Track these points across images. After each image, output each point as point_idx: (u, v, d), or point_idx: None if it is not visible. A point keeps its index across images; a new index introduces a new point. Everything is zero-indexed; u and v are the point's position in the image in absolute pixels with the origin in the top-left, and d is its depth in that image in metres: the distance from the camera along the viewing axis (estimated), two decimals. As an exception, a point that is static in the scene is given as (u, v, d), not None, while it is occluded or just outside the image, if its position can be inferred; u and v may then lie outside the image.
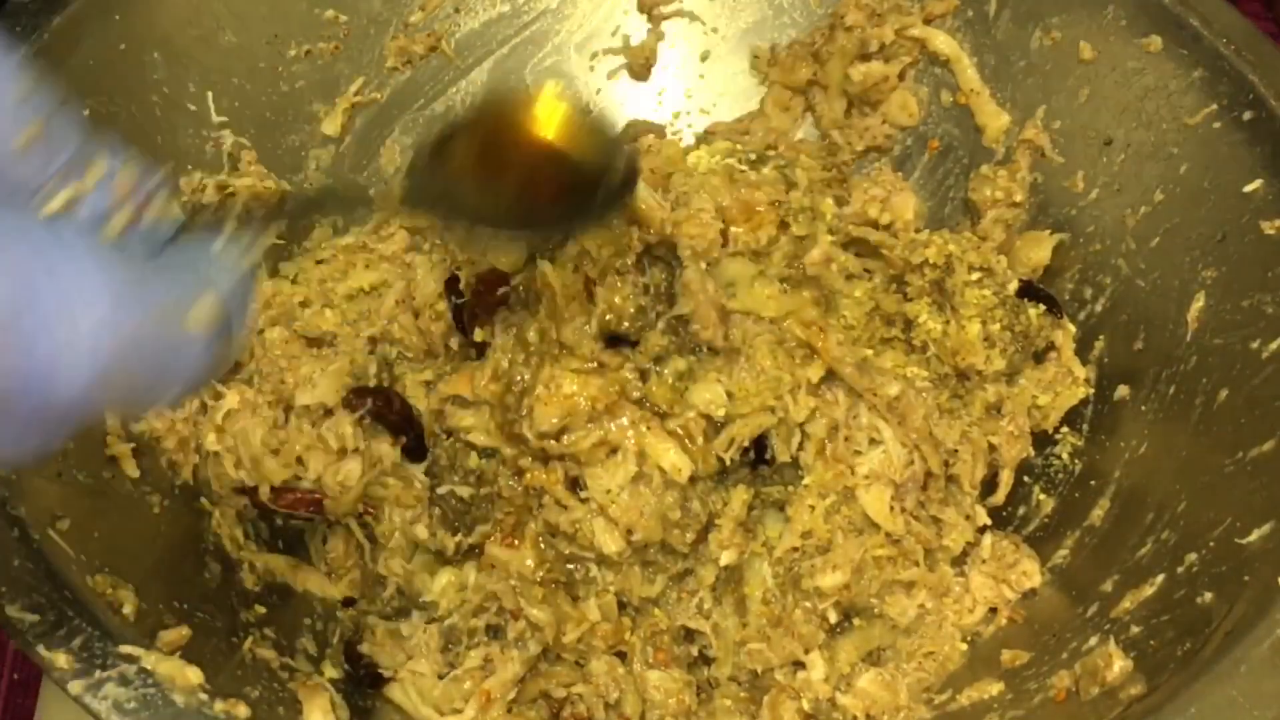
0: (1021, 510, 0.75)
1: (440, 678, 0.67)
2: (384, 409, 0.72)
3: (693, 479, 0.66)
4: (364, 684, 0.67)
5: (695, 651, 0.70)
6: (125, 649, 0.50)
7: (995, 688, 0.64)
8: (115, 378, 0.33)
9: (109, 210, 0.36)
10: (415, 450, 0.73)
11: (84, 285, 0.32)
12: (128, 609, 0.54)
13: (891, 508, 0.68)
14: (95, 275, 0.33)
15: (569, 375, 0.66)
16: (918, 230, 0.81)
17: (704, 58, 0.88)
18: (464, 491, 0.72)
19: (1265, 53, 0.68)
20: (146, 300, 0.34)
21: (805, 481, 0.69)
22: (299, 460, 0.70)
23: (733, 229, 0.69)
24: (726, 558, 0.67)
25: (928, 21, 0.81)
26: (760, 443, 0.69)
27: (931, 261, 0.73)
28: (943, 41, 0.81)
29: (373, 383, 0.74)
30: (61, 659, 0.49)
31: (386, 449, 0.72)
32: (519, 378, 0.68)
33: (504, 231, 0.62)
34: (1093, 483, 0.72)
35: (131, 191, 0.37)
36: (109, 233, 0.36)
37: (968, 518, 0.72)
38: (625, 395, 0.66)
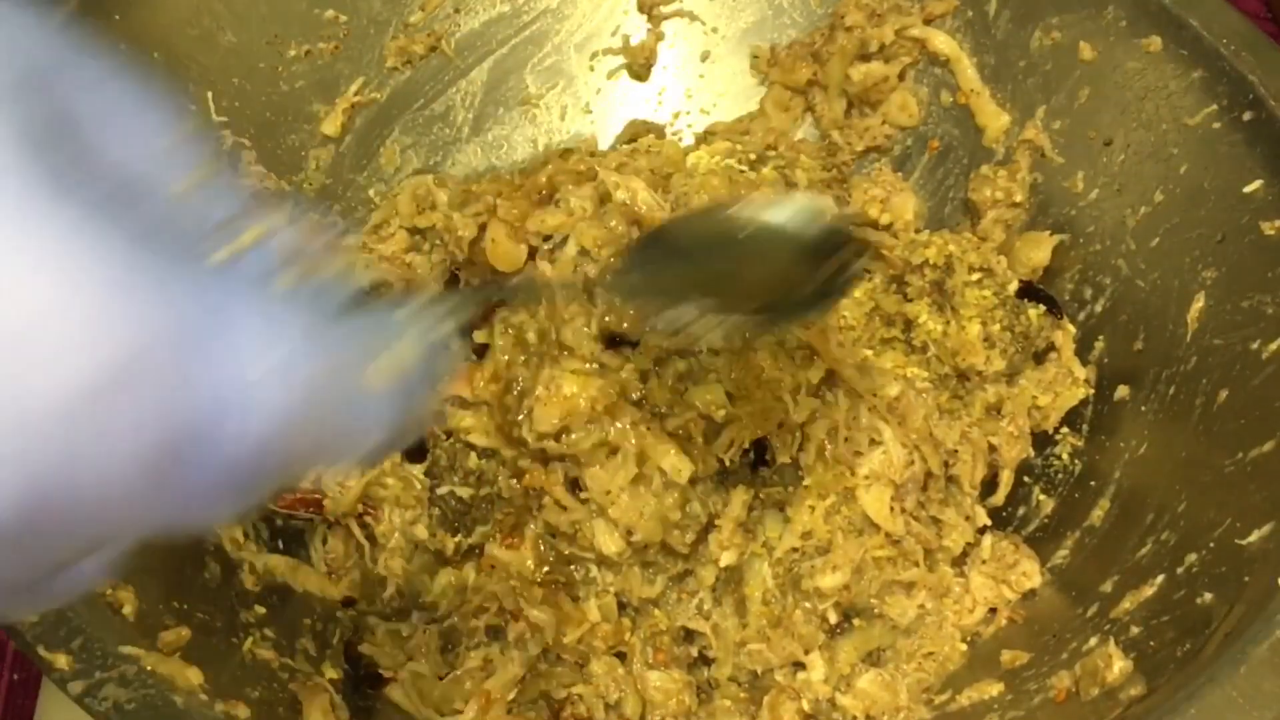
0: (1021, 511, 0.75)
1: (440, 678, 0.67)
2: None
3: (693, 480, 0.66)
4: (364, 684, 0.67)
5: (695, 652, 0.70)
6: (125, 649, 0.50)
7: (995, 688, 0.64)
8: (291, 433, 0.30)
9: (277, 266, 0.32)
10: (415, 451, 0.73)
11: (254, 329, 0.29)
12: (128, 609, 0.54)
13: (891, 508, 0.68)
14: (267, 319, 0.29)
15: (569, 376, 0.66)
16: (918, 230, 0.81)
17: (704, 58, 0.88)
18: (464, 492, 0.72)
19: (1265, 53, 0.68)
20: (323, 349, 0.30)
21: (805, 482, 0.69)
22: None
23: (733, 229, 0.69)
24: (726, 558, 0.67)
25: (928, 22, 0.81)
26: (760, 444, 0.69)
27: (931, 262, 0.73)
28: (943, 42, 0.81)
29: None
30: (61, 659, 0.49)
31: (386, 450, 0.72)
32: (518, 379, 0.68)
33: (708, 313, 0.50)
34: (1093, 483, 0.72)
35: (302, 250, 0.33)
36: (280, 284, 0.32)
37: (968, 518, 0.72)
38: (625, 396, 0.66)
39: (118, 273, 0.26)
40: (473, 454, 0.72)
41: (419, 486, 0.73)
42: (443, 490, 0.73)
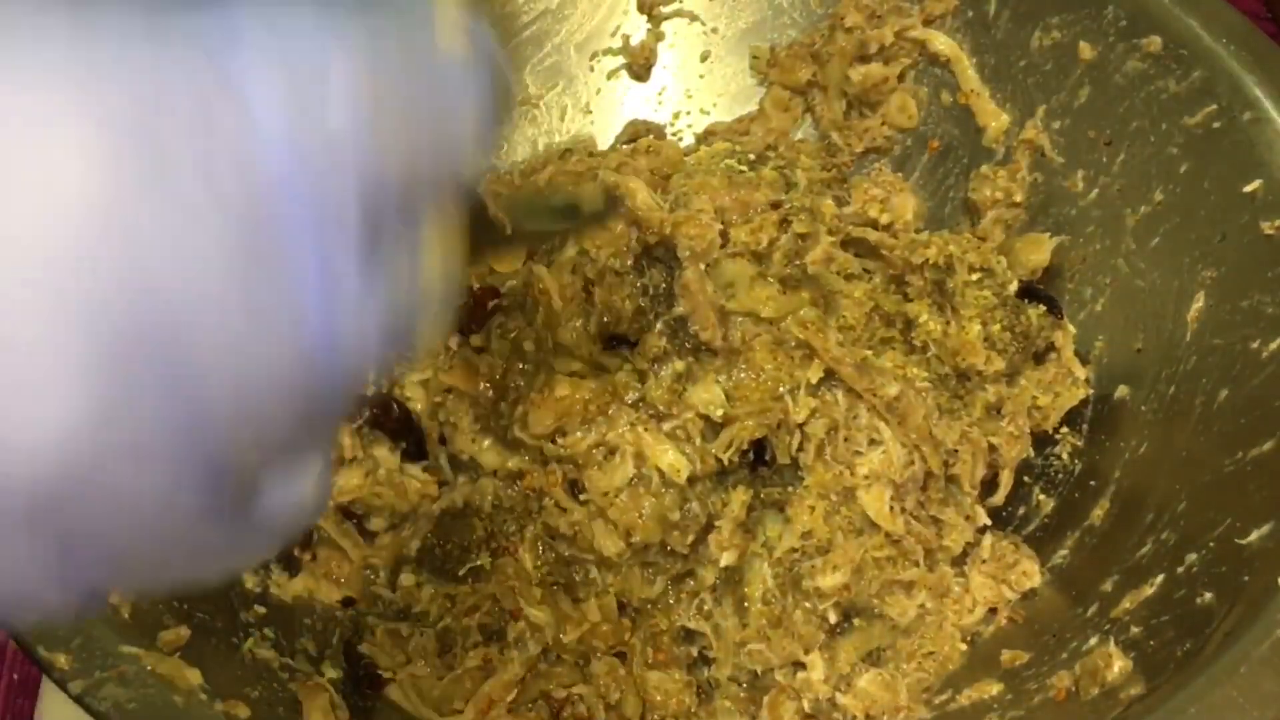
0: (1021, 510, 0.75)
1: (440, 678, 0.67)
2: (382, 417, 0.72)
3: (692, 480, 0.66)
4: (364, 684, 0.67)
5: (695, 652, 0.70)
6: (125, 649, 0.50)
7: (995, 688, 0.64)
8: (388, 143, 0.25)
9: None
10: (415, 454, 0.73)
11: (275, 73, 0.24)
12: (127, 609, 0.54)
13: (891, 508, 0.68)
14: (297, 38, 0.24)
15: (561, 378, 0.66)
16: (918, 230, 0.81)
17: (704, 58, 0.88)
18: (461, 495, 0.72)
19: (1265, 53, 0.68)
20: (378, 39, 0.26)
21: (805, 482, 0.69)
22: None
23: (732, 230, 0.69)
24: (726, 559, 0.67)
25: (927, 22, 0.81)
26: (760, 443, 0.69)
27: (931, 262, 0.73)
28: (943, 43, 0.81)
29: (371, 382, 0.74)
30: (61, 659, 0.49)
31: (385, 454, 0.73)
32: (514, 385, 0.68)
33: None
34: (1093, 483, 0.72)
35: None
36: None
37: (968, 518, 0.72)
38: (619, 397, 0.66)
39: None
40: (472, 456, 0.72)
41: (416, 488, 0.72)
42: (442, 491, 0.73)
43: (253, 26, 0.24)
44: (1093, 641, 0.62)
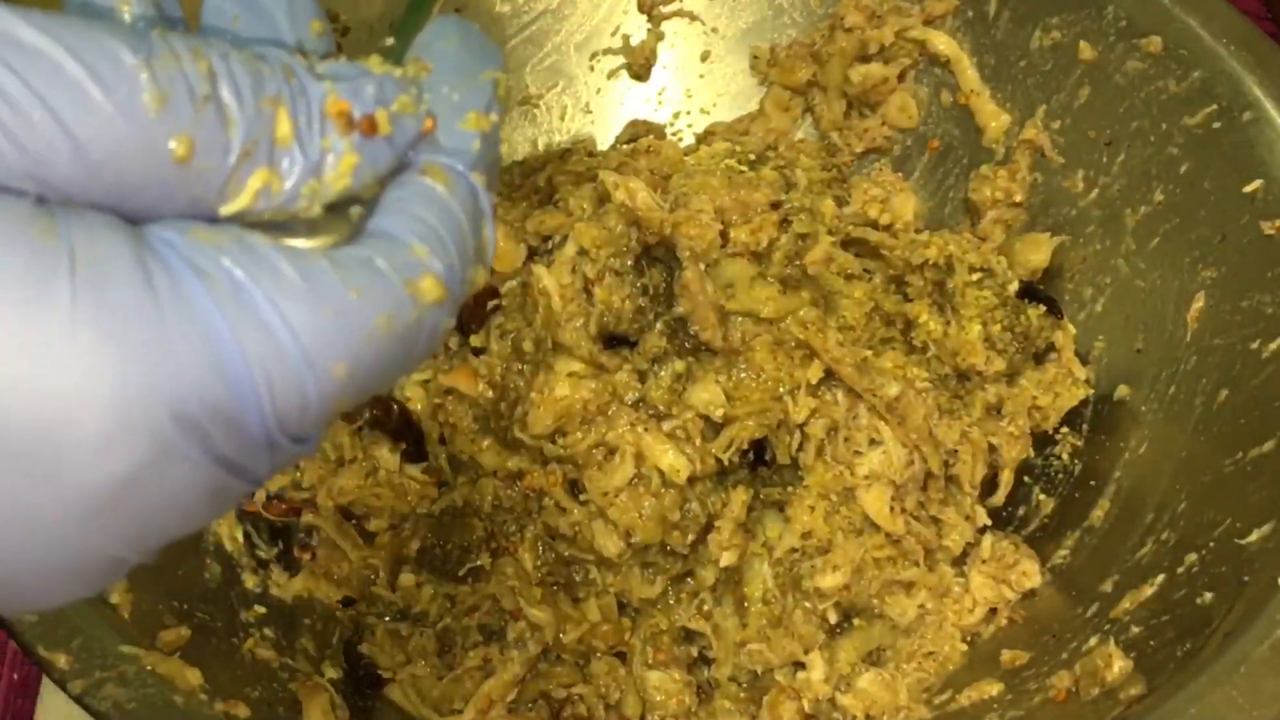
0: (1021, 510, 0.75)
1: (440, 678, 0.67)
2: (382, 417, 0.72)
3: (691, 480, 0.66)
4: (364, 684, 0.67)
5: (695, 652, 0.70)
6: (125, 649, 0.50)
7: (995, 688, 0.64)
8: (352, 391, 0.28)
9: (319, 164, 0.28)
10: (415, 455, 0.73)
11: (277, 335, 0.26)
12: (127, 609, 0.54)
13: (891, 508, 0.68)
14: (292, 305, 0.26)
15: (561, 379, 0.66)
16: (918, 230, 0.81)
17: (704, 58, 0.88)
18: (461, 495, 0.72)
19: (1265, 53, 0.68)
20: (368, 312, 0.27)
21: (805, 482, 0.69)
22: (296, 467, 0.71)
23: (732, 230, 0.69)
24: (726, 559, 0.67)
25: (928, 22, 0.81)
26: (760, 443, 0.68)
27: (931, 262, 0.73)
28: (943, 43, 0.81)
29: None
30: (61, 659, 0.49)
31: (385, 454, 0.73)
32: (513, 386, 0.68)
33: None
34: (1093, 483, 0.72)
35: (348, 124, 0.29)
36: (312, 210, 0.28)
37: (968, 518, 0.72)
38: (618, 398, 0.66)
39: (126, 341, 0.24)
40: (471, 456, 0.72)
41: (416, 489, 0.72)
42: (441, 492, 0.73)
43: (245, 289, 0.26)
44: (1093, 641, 0.62)
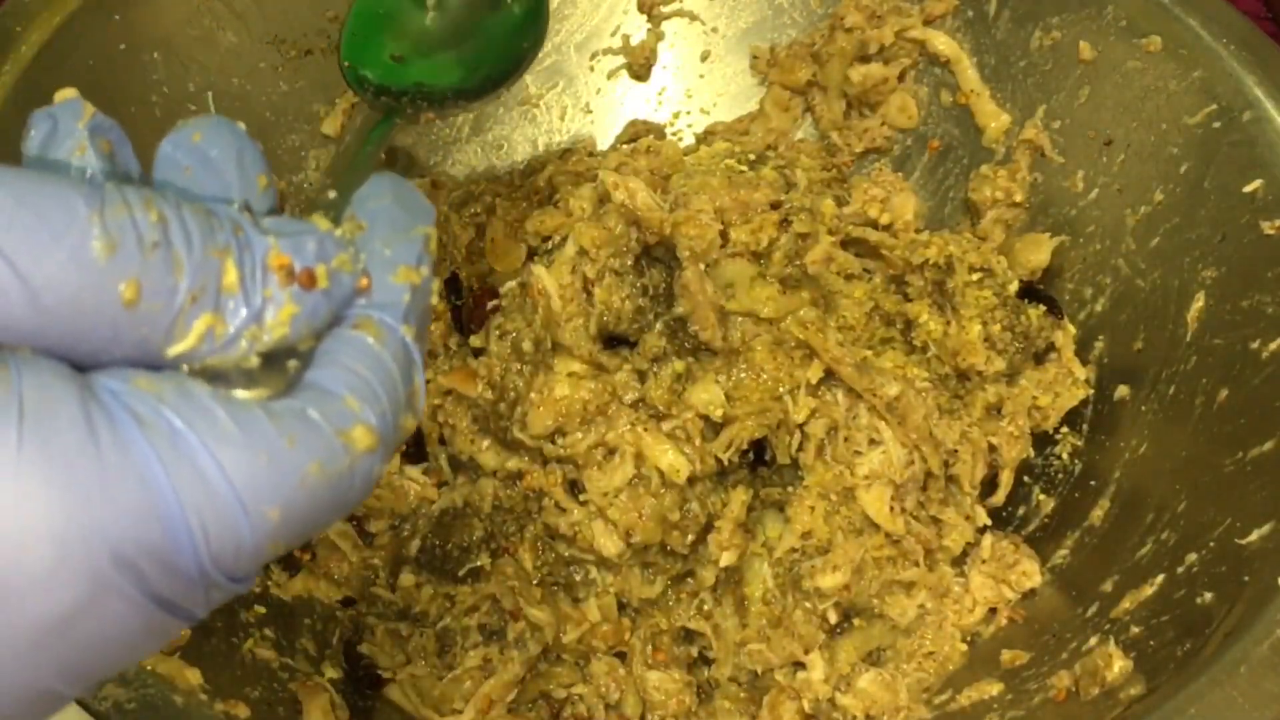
0: (1021, 510, 0.75)
1: (440, 678, 0.67)
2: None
3: (691, 480, 0.66)
4: (364, 684, 0.67)
5: (695, 652, 0.70)
6: (125, 649, 0.50)
7: (995, 688, 0.64)
8: (286, 534, 0.29)
9: (259, 310, 0.30)
10: (415, 455, 0.73)
11: (213, 480, 0.27)
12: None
13: (891, 508, 0.68)
14: (228, 452, 0.28)
15: (561, 379, 0.66)
16: (918, 230, 0.81)
17: (704, 58, 0.88)
18: (461, 495, 0.72)
19: (1265, 53, 0.68)
20: (301, 459, 0.29)
21: (805, 482, 0.69)
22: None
23: (732, 230, 0.69)
24: (726, 559, 0.67)
25: (928, 22, 0.81)
26: (759, 443, 0.69)
27: (932, 262, 0.73)
28: (943, 43, 0.81)
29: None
30: (61, 659, 0.49)
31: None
32: (512, 386, 0.68)
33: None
34: (1093, 483, 0.72)
35: (289, 276, 0.31)
36: (250, 357, 0.30)
37: (968, 518, 0.72)
38: (618, 398, 0.66)
39: (75, 479, 0.26)
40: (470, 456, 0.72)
41: (416, 489, 0.72)
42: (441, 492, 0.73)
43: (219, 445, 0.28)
44: (1093, 641, 0.62)
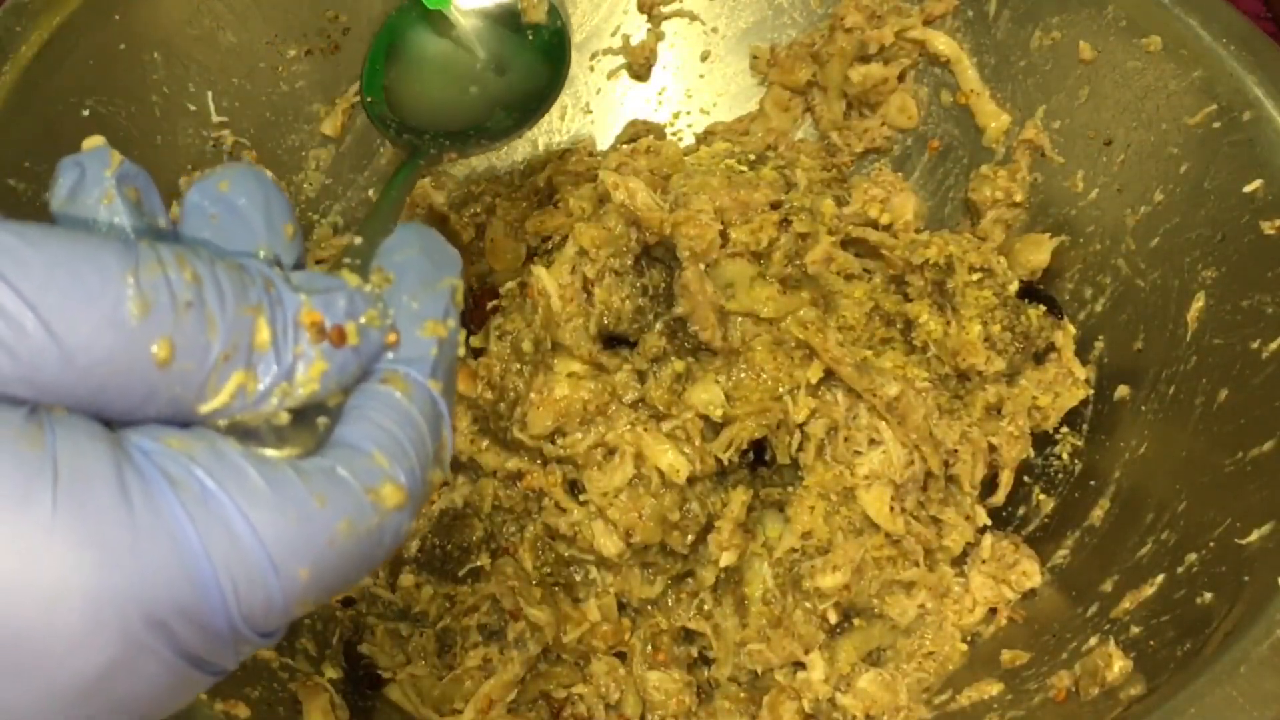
0: (1021, 510, 0.75)
1: (440, 678, 0.67)
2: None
3: (691, 480, 0.66)
4: (364, 684, 0.67)
5: (695, 652, 0.70)
6: (125, 649, 0.50)
7: (995, 688, 0.64)
8: (315, 591, 0.30)
9: (289, 371, 0.30)
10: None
11: (244, 540, 0.28)
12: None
13: (891, 508, 0.68)
14: (259, 512, 0.28)
15: (561, 379, 0.66)
16: (918, 230, 0.81)
17: (704, 58, 0.88)
18: (461, 496, 0.72)
19: (1265, 53, 0.68)
20: (330, 518, 0.29)
21: (805, 482, 0.69)
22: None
23: (732, 230, 0.69)
24: (726, 559, 0.67)
25: (928, 22, 0.81)
26: (759, 443, 0.68)
27: (932, 262, 0.73)
28: (943, 43, 0.81)
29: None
30: (61, 659, 0.49)
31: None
32: (512, 386, 0.68)
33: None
34: (1093, 483, 0.72)
35: (320, 333, 0.31)
36: (280, 413, 0.30)
37: (968, 518, 0.72)
38: (618, 398, 0.66)
39: (106, 546, 0.26)
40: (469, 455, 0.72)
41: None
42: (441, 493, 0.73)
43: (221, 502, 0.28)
44: (1093, 641, 0.62)
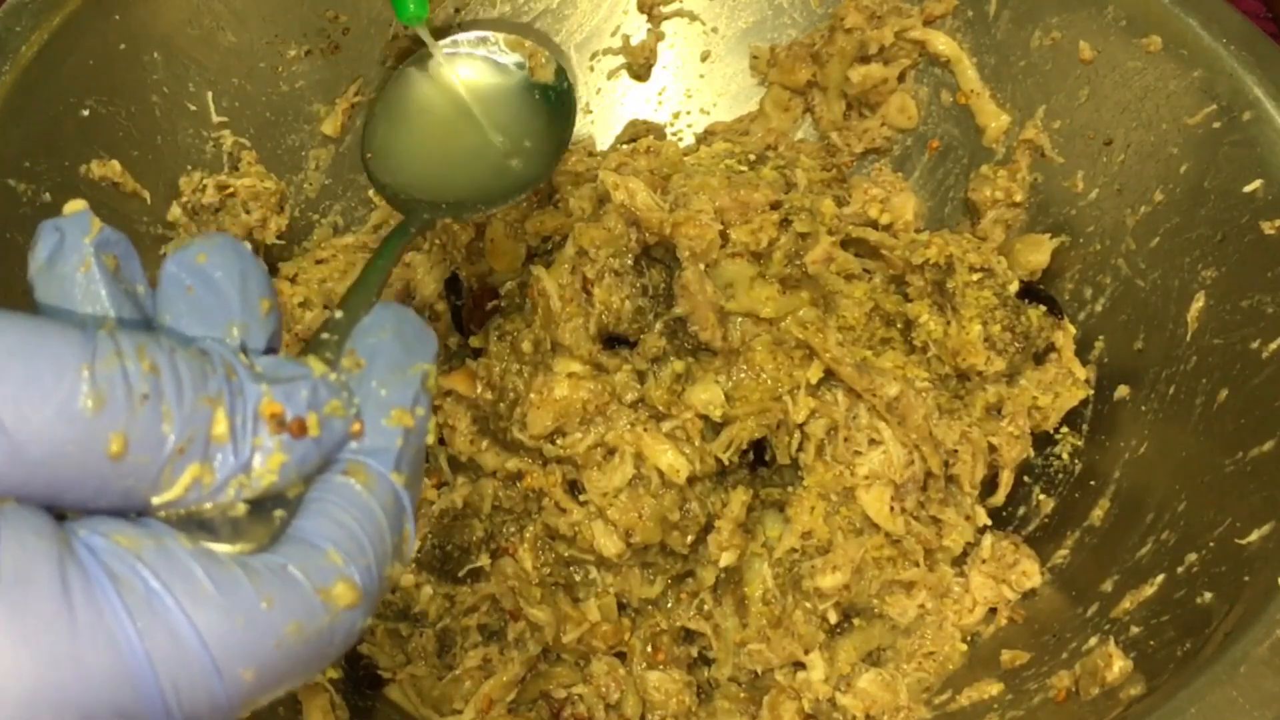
0: (1021, 510, 0.75)
1: (440, 678, 0.67)
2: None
3: (691, 480, 0.66)
4: (364, 684, 0.67)
5: (695, 652, 0.70)
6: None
7: (995, 688, 0.64)
8: (261, 691, 0.29)
9: (247, 461, 0.30)
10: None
11: (186, 642, 0.27)
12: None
13: (891, 508, 0.68)
14: (203, 613, 0.27)
15: (560, 379, 0.66)
16: (918, 230, 0.81)
17: (704, 58, 0.88)
18: (461, 496, 0.72)
19: (1265, 53, 0.68)
20: (278, 621, 0.29)
21: (805, 482, 0.69)
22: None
23: (732, 230, 0.69)
24: (726, 559, 0.67)
25: (928, 22, 0.81)
26: (759, 443, 0.68)
27: (932, 262, 0.73)
28: (943, 43, 0.81)
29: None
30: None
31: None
32: (512, 387, 0.68)
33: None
34: (1093, 483, 0.72)
35: (280, 425, 0.30)
36: (236, 504, 0.30)
37: (968, 518, 0.72)
38: (618, 398, 0.66)
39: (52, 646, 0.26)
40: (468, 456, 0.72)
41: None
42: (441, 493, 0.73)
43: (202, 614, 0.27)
44: (1093, 641, 0.62)
